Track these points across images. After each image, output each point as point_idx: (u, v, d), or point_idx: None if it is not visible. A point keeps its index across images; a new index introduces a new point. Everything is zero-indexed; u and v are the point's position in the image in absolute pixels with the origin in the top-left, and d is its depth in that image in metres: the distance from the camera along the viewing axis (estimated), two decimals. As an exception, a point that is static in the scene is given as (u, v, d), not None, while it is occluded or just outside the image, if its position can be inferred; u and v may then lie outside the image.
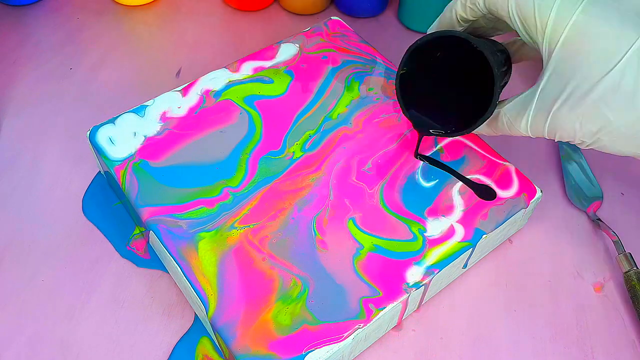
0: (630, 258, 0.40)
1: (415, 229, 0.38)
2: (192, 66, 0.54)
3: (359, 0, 0.56)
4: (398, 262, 0.36)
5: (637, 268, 0.40)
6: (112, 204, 0.44)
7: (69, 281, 0.40)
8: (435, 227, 0.38)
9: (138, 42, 0.56)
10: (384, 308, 0.35)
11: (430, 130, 0.40)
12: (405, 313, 0.38)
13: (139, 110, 0.43)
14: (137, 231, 0.42)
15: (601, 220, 0.43)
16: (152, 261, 0.41)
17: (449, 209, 0.39)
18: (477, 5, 0.35)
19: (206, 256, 0.36)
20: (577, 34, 0.32)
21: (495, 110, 0.36)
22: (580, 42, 0.32)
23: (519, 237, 0.43)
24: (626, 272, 0.40)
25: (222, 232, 0.37)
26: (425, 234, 0.38)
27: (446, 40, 0.36)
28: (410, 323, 0.39)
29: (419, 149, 0.41)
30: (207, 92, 0.45)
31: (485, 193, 0.40)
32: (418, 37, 0.58)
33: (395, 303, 0.35)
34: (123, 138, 0.42)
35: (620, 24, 0.31)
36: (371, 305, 0.35)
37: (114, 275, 0.40)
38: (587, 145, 0.34)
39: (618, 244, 0.41)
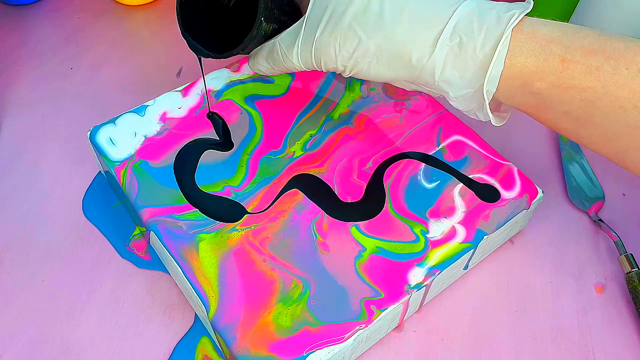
0: (631, 259, 0.40)
1: (417, 230, 0.38)
2: (193, 66, 0.53)
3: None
4: (400, 264, 0.36)
5: (639, 269, 0.40)
6: (112, 204, 0.44)
7: (69, 281, 0.40)
8: (437, 228, 0.38)
9: (138, 42, 0.56)
10: (386, 309, 0.35)
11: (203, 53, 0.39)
12: (407, 314, 0.38)
13: (140, 110, 0.43)
14: (137, 231, 0.42)
15: (602, 221, 0.43)
16: (152, 262, 0.41)
17: (450, 210, 0.39)
18: None
19: (207, 257, 0.36)
20: None
21: (272, 41, 0.37)
22: None
23: (520, 237, 0.43)
24: (628, 273, 0.40)
25: (223, 233, 0.37)
26: (428, 236, 0.38)
27: None
28: (411, 324, 0.39)
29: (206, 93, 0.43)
30: (207, 92, 0.44)
31: (488, 194, 0.40)
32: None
33: (396, 304, 0.35)
34: (123, 138, 0.42)
35: None
36: (373, 307, 0.35)
37: (114, 276, 0.40)
38: (350, 73, 0.35)
39: (619, 244, 0.41)
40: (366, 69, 0.35)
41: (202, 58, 0.40)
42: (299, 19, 0.36)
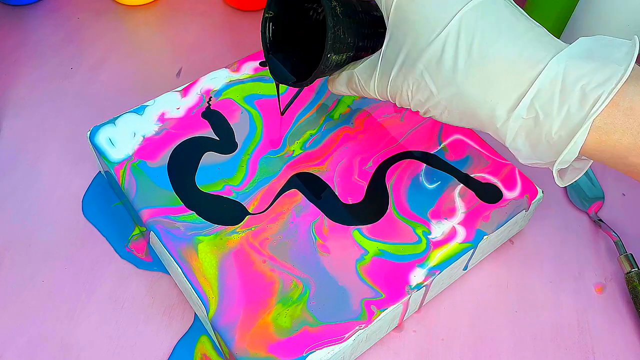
0: (631, 259, 0.40)
1: (419, 232, 0.38)
2: (193, 66, 0.53)
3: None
4: (402, 265, 0.36)
5: (639, 269, 0.40)
6: (111, 205, 0.44)
7: (69, 281, 0.40)
8: (438, 229, 0.38)
9: (138, 42, 0.56)
10: (386, 309, 0.35)
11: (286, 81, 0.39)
12: (407, 314, 0.38)
13: (139, 110, 0.43)
14: (137, 231, 0.42)
15: (602, 221, 0.43)
16: (151, 263, 0.41)
17: (452, 211, 0.39)
18: None
19: (207, 258, 0.36)
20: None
21: (351, 71, 0.36)
22: (409, 8, 0.31)
23: (520, 237, 0.43)
24: (627, 273, 0.40)
25: (222, 235, 0.37)
26: (430, 237, 0.38)
27: None
28: (411, 324, 0.39)
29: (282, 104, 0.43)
30: (208, 91, 0.45)
31: (490, 194, 0.40)
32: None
33: (396, 304, 0.35)
34: (123, 138, 0.42)
35: None
36: (373, 307, 0.35)
37: (114, 276, 0.40)
38: (425, 114, 0.34)
39: (619, 244, 0.41)
40: (439, 116, 0.33)
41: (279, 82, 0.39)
42: (381, 42, 0.35)
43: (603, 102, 0.28)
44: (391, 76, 0.33)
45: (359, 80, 0.36)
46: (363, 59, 0.36)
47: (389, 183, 0.40)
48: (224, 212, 0.38)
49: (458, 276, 0.40)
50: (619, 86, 0.28)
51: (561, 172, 0.32)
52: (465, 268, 0.40)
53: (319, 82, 0.46)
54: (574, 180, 0.32)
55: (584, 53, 0.29)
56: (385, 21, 0.33)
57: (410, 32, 0.31)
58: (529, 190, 0.40)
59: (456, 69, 0.30)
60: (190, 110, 0.43)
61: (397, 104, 0.35)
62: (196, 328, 0.38)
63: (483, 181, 0.40)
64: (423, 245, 0.37)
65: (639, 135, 0.28)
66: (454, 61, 0.30)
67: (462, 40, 0.30)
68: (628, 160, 0.29)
